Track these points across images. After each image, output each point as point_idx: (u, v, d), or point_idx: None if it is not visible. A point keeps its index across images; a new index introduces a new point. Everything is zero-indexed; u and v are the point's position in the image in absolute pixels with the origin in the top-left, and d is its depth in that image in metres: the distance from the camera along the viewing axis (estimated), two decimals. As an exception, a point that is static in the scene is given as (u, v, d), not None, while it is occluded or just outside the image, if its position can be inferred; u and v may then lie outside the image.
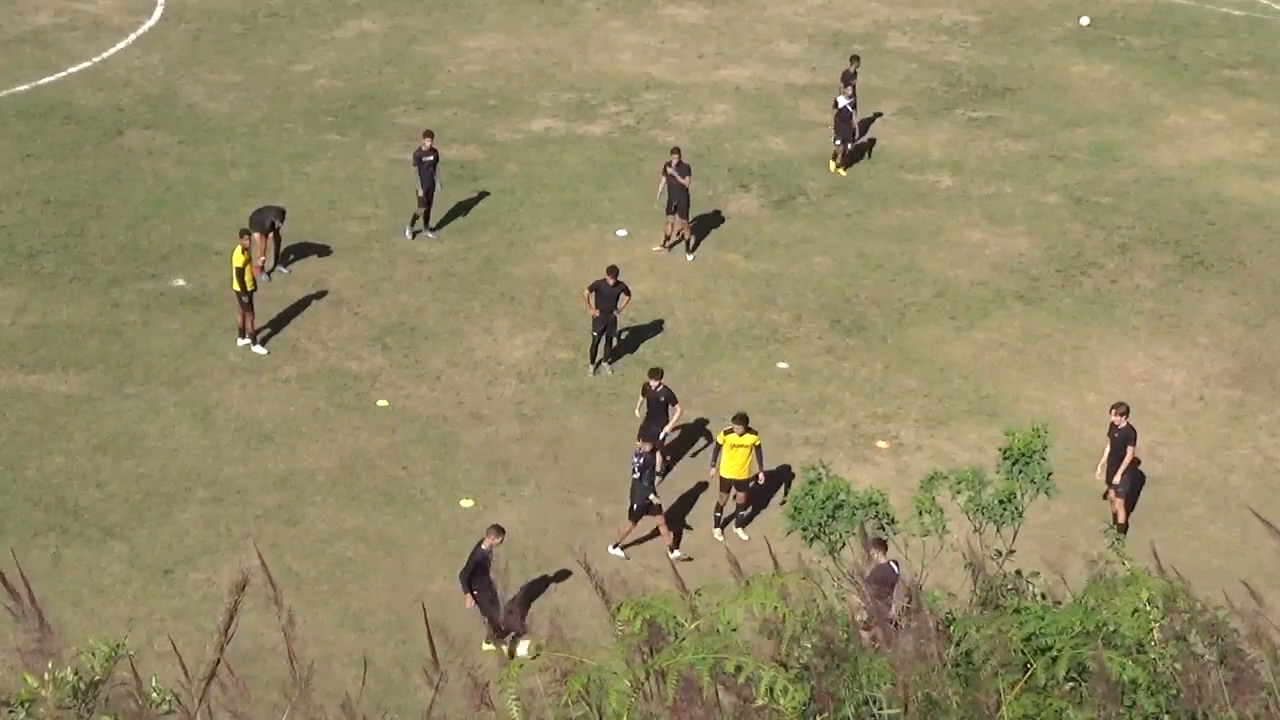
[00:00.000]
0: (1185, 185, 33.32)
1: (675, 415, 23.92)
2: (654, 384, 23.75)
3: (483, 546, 20.29)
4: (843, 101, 32.81)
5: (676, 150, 29.83)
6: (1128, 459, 22.94)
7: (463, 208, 31.25)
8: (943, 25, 41.37)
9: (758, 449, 22.63)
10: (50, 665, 6.24)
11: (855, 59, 34.64)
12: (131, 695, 6.37)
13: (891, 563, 19.12)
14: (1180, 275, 30.00)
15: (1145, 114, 36.63)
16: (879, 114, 35.70)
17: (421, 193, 29.72)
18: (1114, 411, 23.18)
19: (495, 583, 20.37)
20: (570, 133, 34.84)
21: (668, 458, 23.96)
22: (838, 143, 33.06)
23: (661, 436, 23.54)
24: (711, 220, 31.07)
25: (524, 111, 35.70)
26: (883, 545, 18.37)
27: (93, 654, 6.49)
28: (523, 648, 19.85)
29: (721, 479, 22.76)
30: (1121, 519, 23.22)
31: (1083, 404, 26.22)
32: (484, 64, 38.03)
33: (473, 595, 20.34)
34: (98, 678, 6.44)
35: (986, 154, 34.47)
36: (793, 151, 34.37)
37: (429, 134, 29.89)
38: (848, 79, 33.51)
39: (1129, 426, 22.99)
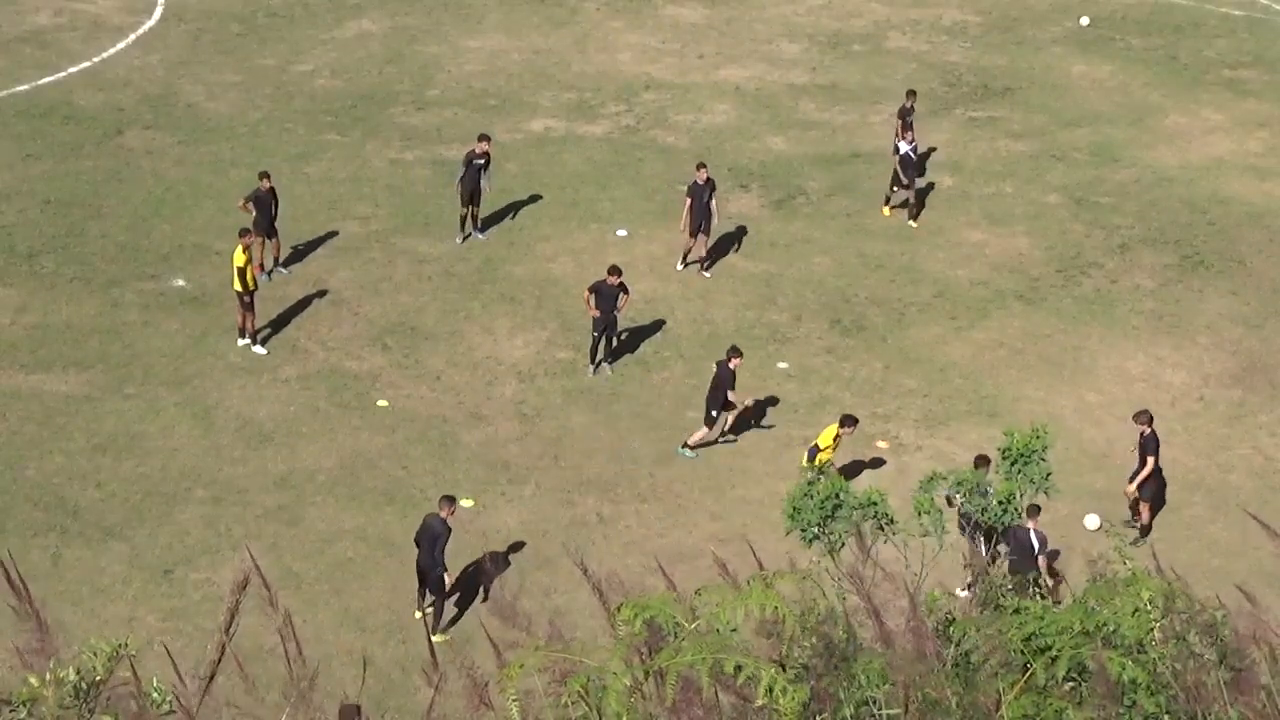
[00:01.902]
0: (1185, 185, 33.32)
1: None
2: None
3: (443, 517, 20.61)
4: (904, 148, 30.89)
5: (702, 165, 29.24)
6: (1148, 468, 22.92)
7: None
8: (943, 25, 41.36)
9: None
10: (51, 665, 6.25)
11: (912, 94, 32.81)
12: (132, 695, 6.37)
13: (1034, 530, 19.69)
14: (1180, 275, 30.00)
15: (1145, 114, 36.63)
16: (932, 149, 33.97)
17: (465, 194, 29.65)
18: (1137, 420, 23.19)
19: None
20: (570, 133, 34.84)
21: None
22: (896, 189, 31.26)
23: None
24: (711, 220, 31.06)
25: (524, 111, 35.70)
26: (1034, 511, 19.15)
27: (94, 654, 6.50)
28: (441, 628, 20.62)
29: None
30: (1145, 519, 23.23)
31: (1083, 404, 26.24)
32: (484, 64, 38.03)
33: (445, 568, 20.64)
34: (99, 677, 6.44)
35: (986, 154, 34.46)
36: (793, 151, 34.36)
37: (485, 138, 29.78)
38: (905, 115, 31.83)
39: (1151, 434, 23.00)
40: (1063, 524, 22.91)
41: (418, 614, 21.02)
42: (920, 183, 32.41)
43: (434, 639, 20.35)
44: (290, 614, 6.52)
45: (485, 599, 21.16)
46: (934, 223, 31.59)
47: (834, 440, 22.98)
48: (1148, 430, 23.02)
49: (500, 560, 21.75)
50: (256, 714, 6.68)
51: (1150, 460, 22.91)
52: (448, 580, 20.69)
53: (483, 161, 29.48)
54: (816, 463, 22.38)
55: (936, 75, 38.34)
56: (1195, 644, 7.66)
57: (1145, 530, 23.13)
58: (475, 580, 21.57)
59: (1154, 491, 23.35)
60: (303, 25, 39.74)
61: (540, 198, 31.91)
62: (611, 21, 40.76)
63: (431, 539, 20.52)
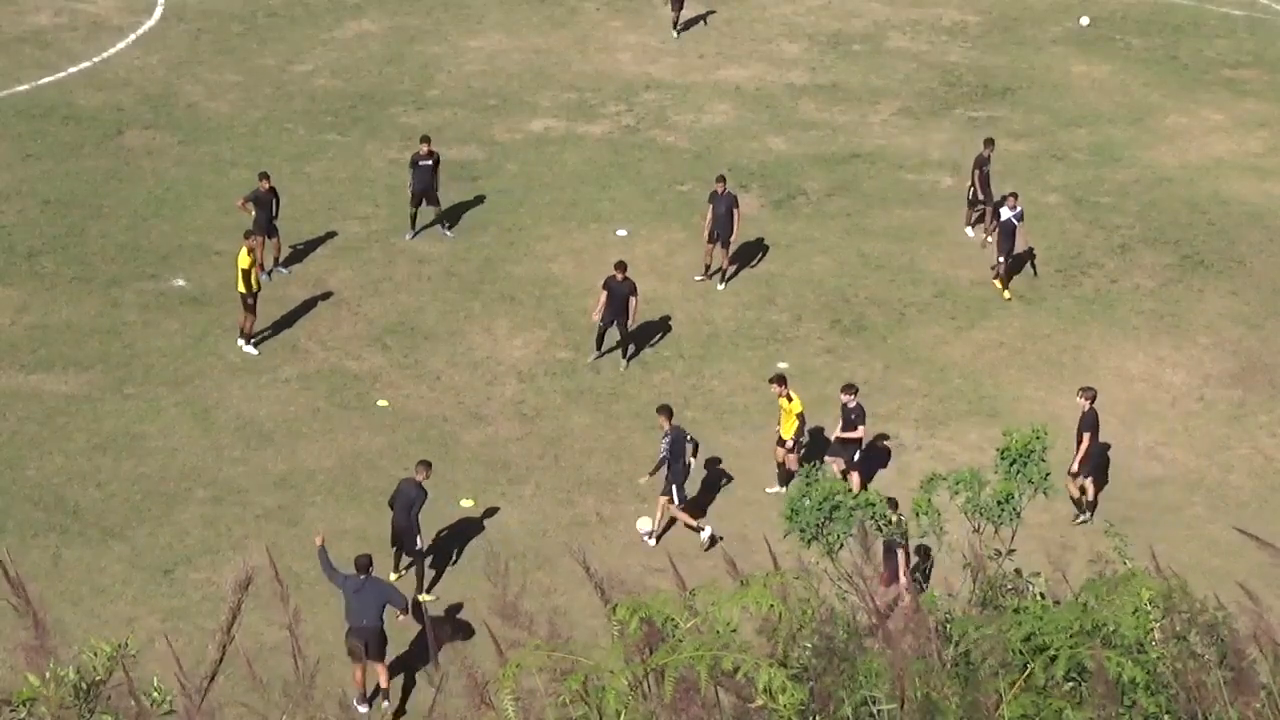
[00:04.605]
0: (1185, 185, 33.32)
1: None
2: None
3: (418, 481, 21.17)
4: (1006, 214, 28.52)
5: (722, 178, 29.01)
6: (1084, 445, 22.97)
7: (463, 208, 31.25)
8: (943, 25, 41.37)
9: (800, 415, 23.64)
10: (51, 664, 6.25)
11: (990, 143, 30.79)
12: (132, 695, 6.38)
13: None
14: (1180, 275, 30.00)
15: (1145, 114, 36.64)
16: (1011, 193, 29.19)
17: (410, 194, 29.77)
18: (1082, 394, 23.42)
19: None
20: (570, 133, 34.85)
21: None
22: (1000, 259, 28.80)
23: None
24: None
25: (524, 111, 35.70)
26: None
27: (94, 654, 6.50)
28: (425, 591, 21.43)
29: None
30: (1090, 496, 23.36)
31: (1082, 404, 26.22)
32: (484, 64, 38.03)
33: (419, 531, 21.28)
34: (99, 677, 6.45)
35: (986, 154, 34.45)
36: (793, 151, 34.36)
37: (426, 139, 29.85)
38: (982, 165, 30.20)
39: (1091, 411, 23.18)
40: (1062, 524, 22.93)
41: (393, 576, 21.42)
42: (928, 184, 32.36)
43: (420, 598, 21.09)
44: (299, 612, 6.53)
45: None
46: (934, 223, 31.58)
47: (782, 397, 23.64)
48: (1088, 406, 23.15)
49: (500, 560, 21.77)
50: (259, 712, 6.68)
51: (1087, 437, 23.00)
52: (420, 542, 21.30)
53: (430, 162, 29.47)
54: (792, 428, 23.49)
55: (936, 75, 38.34)
56: (1195, 644, 7.66)
57: (1092, 507, 23.24)
58: (452, 545, 22.27)
59: (1095, 467, 23.45)
60: (303, 25, 39.75)
61: (540, 198, 31.92)
62: (611, 21, 40.77)
63: (407, 503, 21.04)
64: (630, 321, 26.35)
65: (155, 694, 6.63)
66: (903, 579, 19.59)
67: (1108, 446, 24.38)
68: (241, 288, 26.01)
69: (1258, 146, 35.30)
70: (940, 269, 29.95)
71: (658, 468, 22.62)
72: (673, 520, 22.98)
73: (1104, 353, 27.68)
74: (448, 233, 30.20)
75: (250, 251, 26.04)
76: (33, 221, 30.13)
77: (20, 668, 6.36)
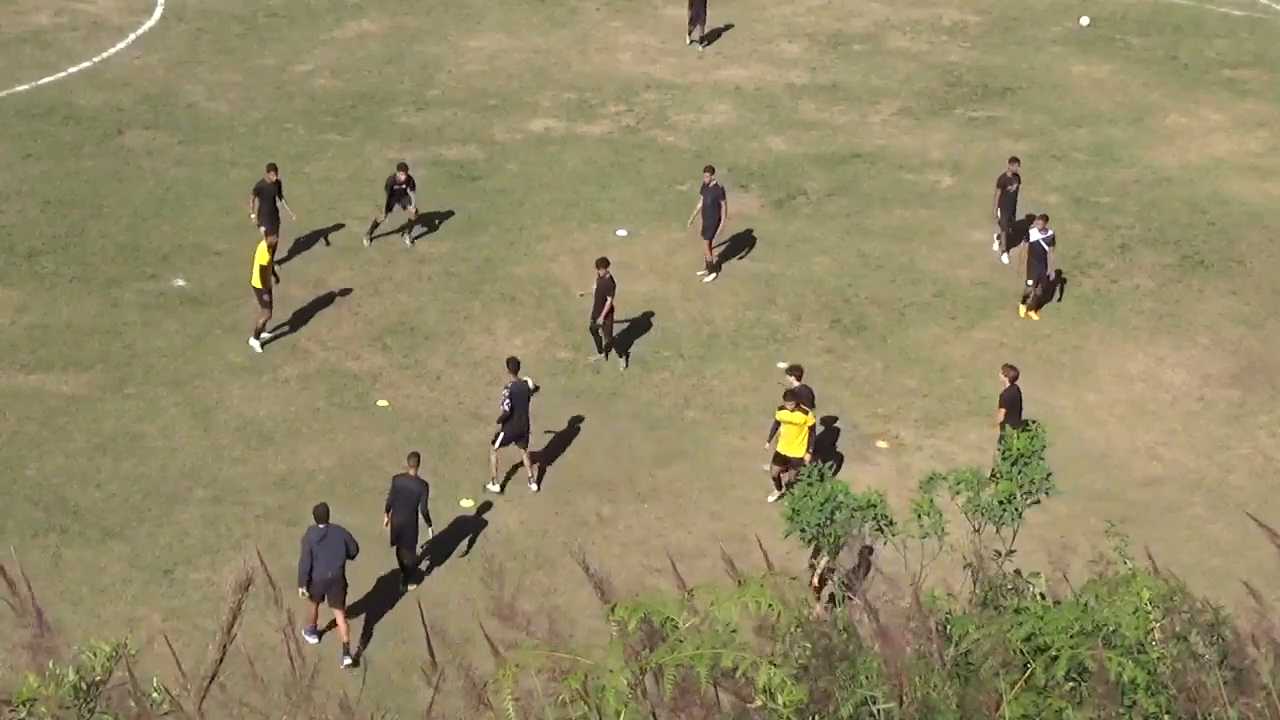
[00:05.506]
0: (1185, 185, 33.32)
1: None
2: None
3: (415, 475, 21.34)
4: (1035, 235, 28.09)
5: (710, 169, 29.13)
6: (998, 420, 23.14)
7: (463, 208, 31.26)
8: (943, 25, 41.36)
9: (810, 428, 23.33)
10: (51, 664, 6.25)
11: (1015, 161, 30.12)
12: (131, 695, 6.38)
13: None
14: (1180, 275, 30.00)
15: (1145, 114, 36.63)
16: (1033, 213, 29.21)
17: (386, 206, 29.65)
18: (1002, 371, 23.94)
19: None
20: (570, 133, 34.85)
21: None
22: (1029, 283, 28.23)
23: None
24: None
25: (524, 111, 35.70)
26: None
27: (94, 654, 6.50)
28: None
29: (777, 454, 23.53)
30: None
31: (1083, 404, 26.23)
32: (484, 64, 38.03)
33: (430, 522, 21.52)
34: (99, 677, 6.45)
35: (986, 154, 34.43)
36: (793, 151, 34.36)
37: (402, 166, 29.68)
38: (1005, 185, 29.60)
39: (1012, 389, 23.62)
40: (1063, 524, 22.90)
41: (412, 587, 21.52)
42: (928, 184, 32.29)
43: (410, 588, 21.50)
44: (292, 614, 6.52)
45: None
46: (934, 223, 31.59)
47: (798, 412, 23.10)
48: (1008, 384, 23.63)
49: (497, 561, 21.79)
50: (260, 712, 6.68)
51: (1001, 413, 23.31)
52: (430, 534, 21.49)
53: (404, 186, 29.39)
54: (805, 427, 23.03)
55: (936, 75, 38.34)
56: (1196, 644, 7.66)
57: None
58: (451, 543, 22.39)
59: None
60: (303, 25, 39.74)
61: (540, 198, 31.91)
62: (611, 21, 40.77)
63: (413, 499, 21.13)
64: (600, 317, 26.28)
65: (155, 694, 6.62)
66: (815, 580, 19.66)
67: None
68: (257, 283, 26.01)
69: (1258, 146, 35.30)
70: (940, 269, 29.95)
71: (501, 421, 23.20)
72: (515, 468, 23.69)
73: (1104, 353, 27.68)
74: (409, 242, 29.98)
75: (270, 248, 26.11)
76: (33, 221, 30.13)
77: (20, 667, 6.36)
